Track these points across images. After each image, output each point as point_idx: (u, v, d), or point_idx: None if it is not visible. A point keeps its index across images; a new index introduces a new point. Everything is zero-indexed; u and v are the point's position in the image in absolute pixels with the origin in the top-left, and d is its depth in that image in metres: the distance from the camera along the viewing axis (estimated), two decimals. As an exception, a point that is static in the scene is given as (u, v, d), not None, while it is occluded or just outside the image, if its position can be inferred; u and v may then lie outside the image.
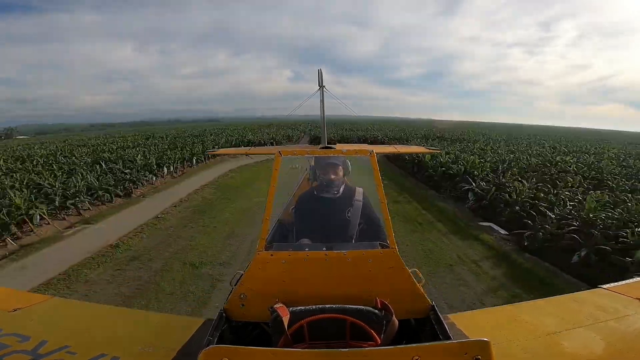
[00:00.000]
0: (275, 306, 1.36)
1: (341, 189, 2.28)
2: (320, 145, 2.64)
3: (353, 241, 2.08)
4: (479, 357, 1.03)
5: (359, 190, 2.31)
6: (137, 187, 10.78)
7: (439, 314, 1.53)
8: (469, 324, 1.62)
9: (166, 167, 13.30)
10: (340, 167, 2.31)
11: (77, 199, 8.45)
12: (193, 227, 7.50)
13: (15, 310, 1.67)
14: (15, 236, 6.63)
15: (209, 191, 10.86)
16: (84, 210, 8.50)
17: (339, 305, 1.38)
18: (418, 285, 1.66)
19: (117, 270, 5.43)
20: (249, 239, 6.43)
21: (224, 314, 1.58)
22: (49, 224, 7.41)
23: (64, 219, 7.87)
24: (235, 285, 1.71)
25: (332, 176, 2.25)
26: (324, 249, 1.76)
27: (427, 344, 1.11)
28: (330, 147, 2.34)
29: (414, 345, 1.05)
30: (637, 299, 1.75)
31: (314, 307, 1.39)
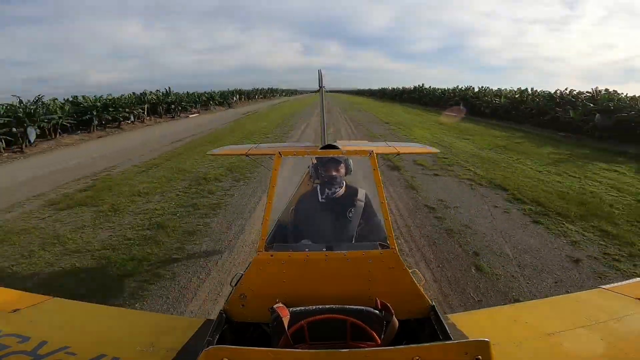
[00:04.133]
0: (275, 306, 1.36)
1: (343, 189, 2.28)
2: (321, 145, 2.63)
3: (353, 241, 2.08)
4: (479, 357, 1.03)
5: (362, 191, 2.30)
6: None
7: (439, 314, 1.53)
8: (469, 324, 1.62)
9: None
10: (342, 164, 2.30)
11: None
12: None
13: (14, 310, 1.67)
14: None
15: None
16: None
17: (339, 306, 1.38)
18: (418, 285, 1.66)
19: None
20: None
21: (224, 315, 1.58)
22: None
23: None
24: (235, 286, 1.71)
25: (334, 173, 2.25)
26: (324, 249, 1.76)
27: (427, 344, 1.11)
28: (332, 147, 2.33)
29: (414, 345, 1.05)
30: (637, 299, 1.75)
31: (314, 307, 1.39)
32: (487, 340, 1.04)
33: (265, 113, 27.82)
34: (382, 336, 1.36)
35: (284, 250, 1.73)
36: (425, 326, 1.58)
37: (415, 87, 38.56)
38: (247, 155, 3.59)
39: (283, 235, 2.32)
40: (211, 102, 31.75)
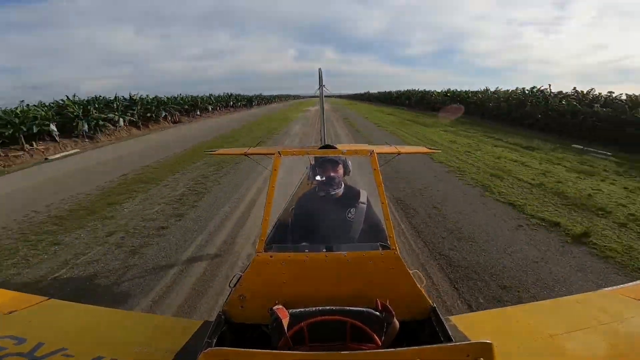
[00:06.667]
0: (274, 308, 1.34)
1: (342, 189, 2.26)
2: (320, 145, 2.61)
3: (354, 242, 2.06)
4: (481, 359, 1.02)
5: (363, 193, 2.28)
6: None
7: (440, 316, 1.51)
8: (471, 325, 1.61)
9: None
10: (340, 165, 2.28)
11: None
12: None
13: (11, 312, 1.65)
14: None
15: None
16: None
17: (339, 307, 1.36)
18: (419, 286, 1.64)
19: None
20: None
21: (223, 316, 1.56)
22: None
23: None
24: (234, 287, 1.69)
25: (332, 174, 2.22)
26: (324, 250, 1.74)
27: (429, 346, 1.09)
28: (331, 147, 2.31)
29: (415, 347, 1.03)
30: None
31: (313, 308, 1.37)
32: (489, 342, 1.03)
33: (304, 101, 52.51)
34: (383, 338, 1.34)
35: (283, 251, 1.72)
36: (426, 327, 1.56)
37: (363, 92, 68.47)
38: (246, 155, 3.57)
39: (283, 236, 2.30)
40: (254, 102, 51.66)
